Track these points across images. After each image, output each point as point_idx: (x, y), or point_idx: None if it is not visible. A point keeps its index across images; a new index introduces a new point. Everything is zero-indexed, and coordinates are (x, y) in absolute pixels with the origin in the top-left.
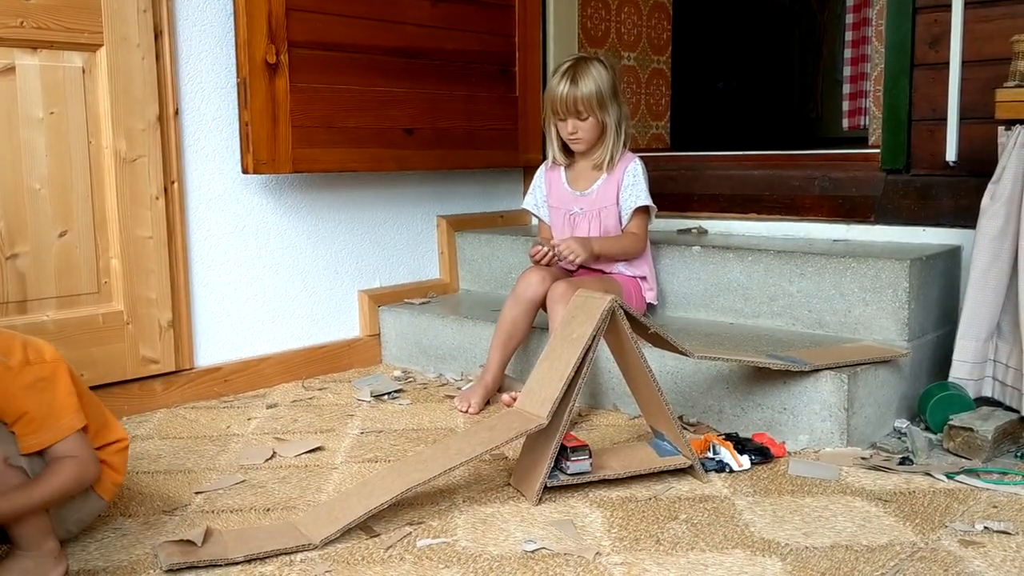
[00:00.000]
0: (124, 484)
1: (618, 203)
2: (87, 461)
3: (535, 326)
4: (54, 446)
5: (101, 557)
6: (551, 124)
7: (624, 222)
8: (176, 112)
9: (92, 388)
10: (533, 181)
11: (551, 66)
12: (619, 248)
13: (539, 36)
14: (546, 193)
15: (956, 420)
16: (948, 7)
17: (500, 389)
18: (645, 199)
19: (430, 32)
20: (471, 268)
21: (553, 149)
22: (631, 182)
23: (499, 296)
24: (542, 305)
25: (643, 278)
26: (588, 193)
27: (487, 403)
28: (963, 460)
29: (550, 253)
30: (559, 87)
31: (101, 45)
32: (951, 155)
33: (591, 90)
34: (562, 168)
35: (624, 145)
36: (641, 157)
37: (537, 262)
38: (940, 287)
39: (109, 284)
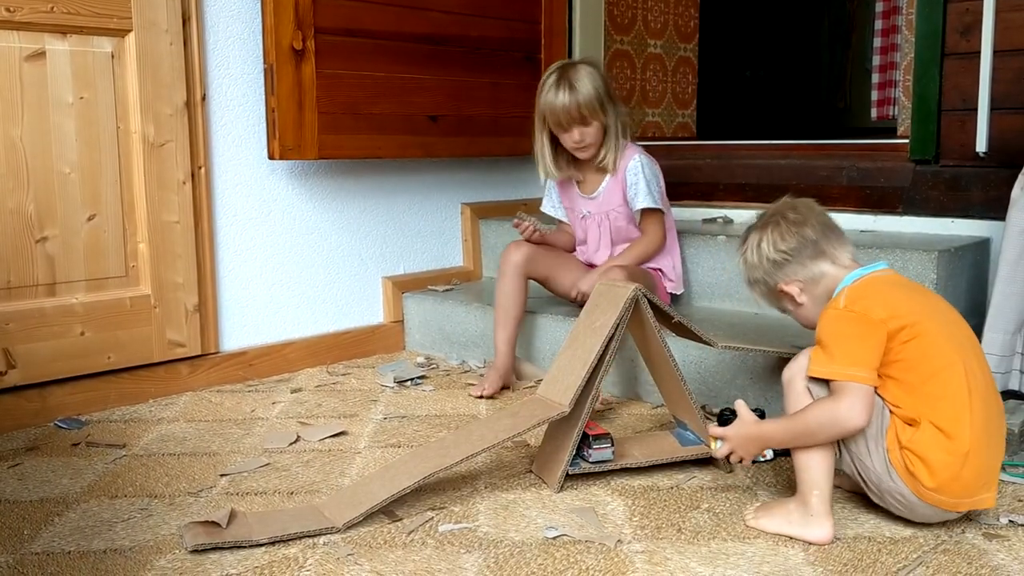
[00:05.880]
0: (150, 465)
1: (626, 203)
2: (839, 410)
3: (530, 310)
4: (833, 382)
5: (127, 537)
6: (545, 139)
7: (638, 220)
8: (203, 98)
9: (119, 371)
10: (546, 185)
11: (577, 53)
12: (638, 257)
13: (565, 23)
14: (559, 195)
15: None
16: None
17: (514, 371)
18: (647, 201)
19: (456, 19)
20: (495, 255)
21: (546, 164)
22: (633, 182)
23: None
24: (530, 276)
25: (661, 271)
26: (595, 196)
27: (503, 386)
28: None
29: (531, 227)
30: (557, 98)
31: (130, 30)
32: (981, 146)
33: (590, 92)
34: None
35: (624, 138)
36: (667, 146)
37: (521, 233)
38: (968, 279)
39: (137, 268)
